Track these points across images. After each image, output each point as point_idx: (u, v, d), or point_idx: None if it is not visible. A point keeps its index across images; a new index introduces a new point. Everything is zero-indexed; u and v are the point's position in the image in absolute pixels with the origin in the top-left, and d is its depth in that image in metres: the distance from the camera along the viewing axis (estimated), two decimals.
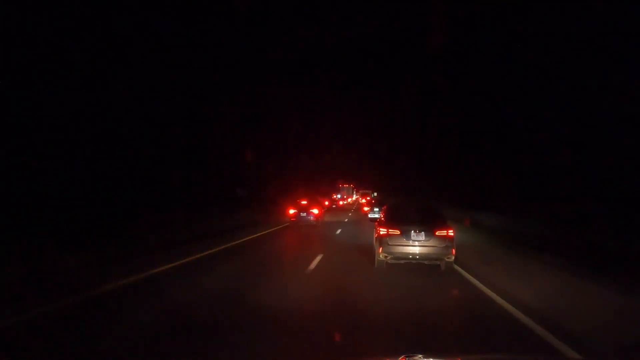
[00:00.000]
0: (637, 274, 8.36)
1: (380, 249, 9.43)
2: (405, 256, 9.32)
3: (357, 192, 74.43)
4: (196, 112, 26.09)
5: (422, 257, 9.28)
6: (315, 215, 23.40)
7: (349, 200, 69.83)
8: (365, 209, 34.56)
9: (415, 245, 9.24)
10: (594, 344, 5.06)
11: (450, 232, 9.32)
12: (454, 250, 9.30)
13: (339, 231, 20.12)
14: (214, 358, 4.69)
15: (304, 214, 23.18)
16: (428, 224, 9.43)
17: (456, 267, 9.82)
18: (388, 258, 9.41)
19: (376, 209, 25.42)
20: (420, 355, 2.55)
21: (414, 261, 9.45)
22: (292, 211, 23.54)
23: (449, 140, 33.25)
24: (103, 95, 17.68)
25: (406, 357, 2.53)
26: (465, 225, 19.04)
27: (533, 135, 21.31)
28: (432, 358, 2.80)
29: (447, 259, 9.31)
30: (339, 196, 66.22)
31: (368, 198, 47.37)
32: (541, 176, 20.68)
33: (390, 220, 9.83)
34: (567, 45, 17.64)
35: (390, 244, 9.32)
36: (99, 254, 10.61)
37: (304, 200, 24.42)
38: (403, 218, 9.83)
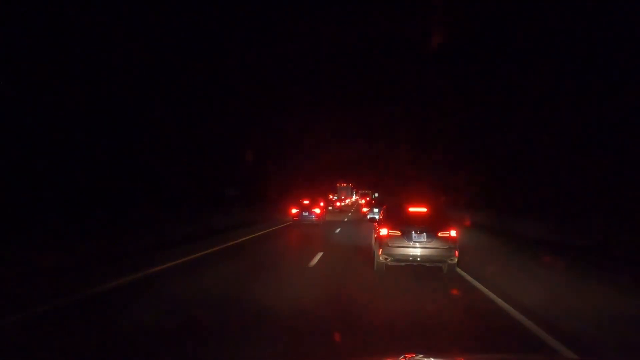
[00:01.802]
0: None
1: (380, 250, 9.08)
2: (406, 258, 8.98)
3: (356, 192, 70.56)
4: (194, 111, 25.80)
5: (424, 259, 8.94)
6: (317, 215, 23.78)
7: (348, 201, 63.23)
8: (365, 209, 34.18)
9: (417, 247, 8.90)
10: (595, 345, 4.93)
11: (454, 233, 8.97)
12: (457, 252, 8.96)
13: (337, 231, 19.80)
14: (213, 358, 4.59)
15: (306, 214, 23.62)
16: (430, 224, 9.08)
17: (458, 269, 9.46)
18: (388, 260, 9.07)
19: (375, 210, 25.19)
20: (420, 355, 2.52)
21: (415, 263, 9.09)
22: (294, 210, 24.02)
23: (449, 140, 32.93)
24: (99, 93, 17.41)
25: (406, 357, 2.49)
26: (465, 225, 18.71)
27: (533, 134, 20.94)
28: (432, 358, 2.77)
29: (449, 262, 8.97)
30: (336, 197, 58.76)
31: (368, 198, 46.75)
32: (541, 176, 20.27)
33: (391, 220, 9.47)
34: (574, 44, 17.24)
35: (390, 245, 8.97)
36: (87, 253, 10.42)
37: (306, 200, 24.81)
38: (404, 218, 9.46)
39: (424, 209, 9.79)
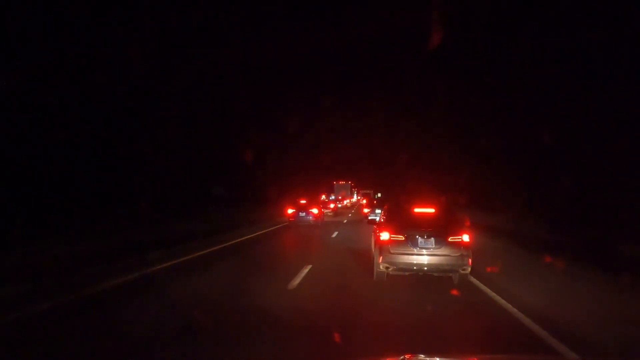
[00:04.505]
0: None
1: (381, 258, 7.78)
2: (411, 267, 7.69)
3: (357, 192, 63.64)
4: (193, 111, 25.00)
5: (432, 268, 7.63)
6: (315, 215, 22.44)
7: (346, 202, 53.73)
8: (365, 210, 32.75)
9: (423, 254, 7.59)
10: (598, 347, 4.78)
11: (466, 238, 7.68)
12: (470, 260, 7.63)
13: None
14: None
15: (303, 214, 22.31)
16: (439, 227, 7.77)
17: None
18: (390, 269, 7.78)
19: (378, 210, 23.82)
20: (421, 355, 2.53)
21: (420, 273, 7.80)
22: (290, 211, 22.70)
23: (450, 140, 32.13)
24: (95, 91, 16.76)
25: (406, 357, 2.47)
26: (466, 225, 17.65)
27: (533, 133, 20.19)
28: (432, 358, 2.75)
29: (461, 271, 7.64)
30: (332, 197, 48.14)
31: (369, 198, 44.90)
32: (542, 177, 19.52)
33: (393, 222, 8.15)
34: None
35: (392, 252, 7.67)
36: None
37: (303, 200, 23.55)
38: (408, 220, 8.14)
39: (431, 210, 8.42)
